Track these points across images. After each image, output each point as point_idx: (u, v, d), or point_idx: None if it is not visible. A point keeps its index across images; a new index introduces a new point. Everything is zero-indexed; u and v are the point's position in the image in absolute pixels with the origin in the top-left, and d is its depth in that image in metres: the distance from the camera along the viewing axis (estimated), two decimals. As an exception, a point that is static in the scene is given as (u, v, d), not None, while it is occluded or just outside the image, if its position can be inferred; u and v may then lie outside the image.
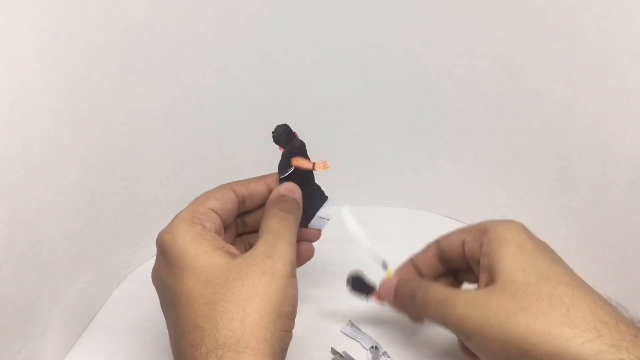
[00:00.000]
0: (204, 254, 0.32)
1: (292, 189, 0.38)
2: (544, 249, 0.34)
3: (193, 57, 0.47)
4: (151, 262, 0.53)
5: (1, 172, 0.34)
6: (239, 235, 0.41)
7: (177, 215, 0.35)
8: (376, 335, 0.45)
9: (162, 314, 0.47)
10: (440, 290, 0.35)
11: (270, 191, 0.39)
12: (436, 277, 0.40)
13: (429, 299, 0.35)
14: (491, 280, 0.33)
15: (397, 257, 0.52)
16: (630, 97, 0.40)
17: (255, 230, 0.38)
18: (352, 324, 0.45)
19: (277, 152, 0.53)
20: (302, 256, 0.40)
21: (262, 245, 0.34)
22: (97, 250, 0.46)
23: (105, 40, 0.42)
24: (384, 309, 0.42)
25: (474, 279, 0.37)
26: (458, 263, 0.39)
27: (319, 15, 0.48)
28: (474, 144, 0.53)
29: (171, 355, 0.42)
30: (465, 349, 0.36)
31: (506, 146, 0.51)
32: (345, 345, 0.44)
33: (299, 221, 0.38)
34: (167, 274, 0.33)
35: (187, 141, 0.51)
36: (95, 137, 0.43)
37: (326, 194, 0.40)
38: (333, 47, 0.49)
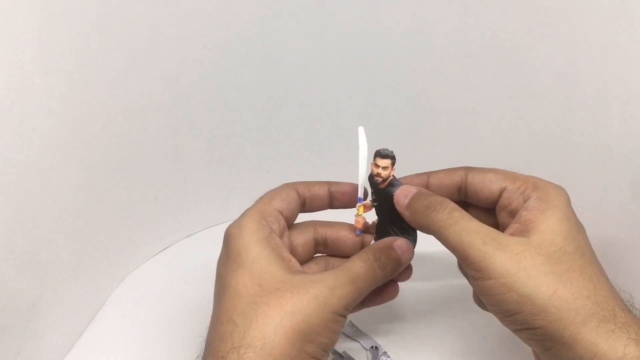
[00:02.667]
0: (265, 259, 0.33)
1: (405, 250, 0.36)
2: (583, 229, 0.35)
3: (193, 57, 0.47)
4: (151, 262, 0.53)
5: (1, 172, 0.34)
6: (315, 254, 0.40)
7: (245, 212, 0.35)
8: (376, 335, 0.45)
9: (161, 314, 0.47)
10: (469, 219, 0.33)
11: (330, 196, 0.38)
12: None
13: (452, 222, 0.33)
14: (525, 234, 0.33)
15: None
16: (630, 98, 0.40)
17: (333, 254, 0.39)
18: (352, 324, 0.45)
19: (278, 151, 0.53)
20: (386, 296, 0.38)
21: (331, 276, 0.33)
22: (97, 250, 0.46)
23: (105, 40, 0.42)
24: (385, 309, 0.42)
25: (484, 221, 0.34)
26: (481, 202, 0.37)
27: (319, 15, 0.48)
28: (474, 144, 0.53)
29: (171, 355, 0.42)
30: (477, 296, 0.35)
31: (506, 146, 0.51)
32: (345, 345, 0.44)
33: (389, 277, 0.35)
34: (225, 266, 0.34)
35: (187, 141, 0.51)
36: (95, 137, 0.43)
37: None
38: (333, 47, 0.49)
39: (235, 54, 0.48)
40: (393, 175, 0.37)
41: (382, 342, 0.44)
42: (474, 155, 0.54)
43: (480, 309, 0.36)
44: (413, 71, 0.50)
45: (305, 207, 0.38)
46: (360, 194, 0.38)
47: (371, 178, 0.37)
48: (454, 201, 0.35)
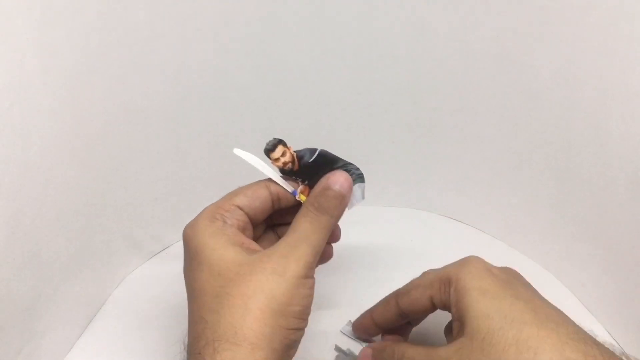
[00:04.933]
0: (220, 249, 0.33)
1: (340, 181, 0.35)
2: (506, 284, 0.34)
3: (193, 57, 0.47)
4: (151, 262, 0.53)
5: (1, 172, 0.34)
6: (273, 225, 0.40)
7: (202, 211, 0.35)
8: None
9: (161, 314, 0.47)
10: (415, 355, 0.35)
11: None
12: (394, 327, 0.41)
13: None
14: (462, 330, 0.33)
15: (397, 257, 0.53)
16: (630, 97, 0.40)
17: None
18: (352, 324, 0.45)
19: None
20: (320, 258, 0.38)
21: (282, 244, 0.33)
22: (97, 250, 0.46)
23: (105, 40, 0.42)
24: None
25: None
26: (424, 315, 0.39)
27: (319, 15, 0.48)
28: (474, 144, 0.53)
29: (171, 355, 0.42)
30: None
31: (506, 146, 0.51)
32: (346, 345, 0.44)
33: (337, 219, 0.35)
34: (187, 268, 0.34)
35: (187, 141, 0.51)
36: (95, 137, 0.43)
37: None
38: (333, 47, 0.49)
39: (235, 54, 0.48)
40: (294, 152, 0.36)
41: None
42: (474, 155, 0.54)
43: None
44: (413, 71, 0.50)
45: (281, 203, 0.37)
46: (291, 189, 0.37)
47: (284, 172, 0.37)
48: (401, 325, 0.39)
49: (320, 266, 0.45)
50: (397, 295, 0.39)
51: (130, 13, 0.42)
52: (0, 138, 0.34)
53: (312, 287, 0.33)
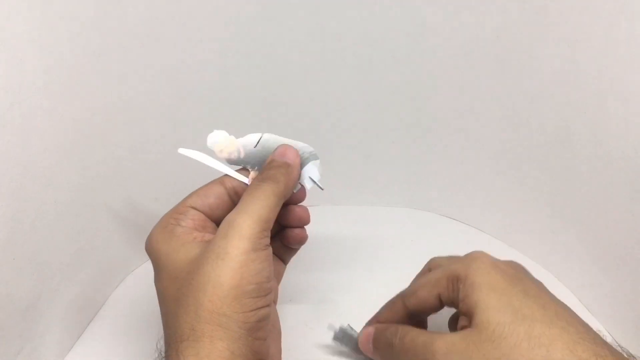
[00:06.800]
0: (173, 252, 0.32)
1: (282, 152, 0.36)
2: (515, 280, 0.34)
3: (193, 57, 0.47)
4: (151, 263, 0.53)
5: (1, 172, 0.34)
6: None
7: (158, 220, 0.35)
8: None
9: (160, 314, 0.47)
10: (418, 336, 0.34)
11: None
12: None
13: (407, 346, 0.34)
14: (470, 323, 0.32)
15: (397, 257, 0.53)
16: (630, 98, 0.40)
17: None
18: (350, 328, 0.45)
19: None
20: (291, 240, 0.38)
21: (223, 224, 0.32)
22: (97, 250, 0.46)
23: (105, 40, 0.42)
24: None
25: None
26: (431, 313, 0.38)
27: (319, 15, 0.48)
28: (473, 144, 0.53)
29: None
30: None
31: (506, 146, 0.51)
32: (343, 351, 0.43)
33: (284, 187, 0.34)
34: (155, 279, 0.34)
35: (187, 141, 0.51)
36: (95, 137, 0.43)
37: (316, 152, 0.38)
38: (333, 47, 0.49)
39: (235, 53, 0.48)
40: (237, 141, 0.37)
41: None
42: (474, 155, 0.54)
43: None
44: (413, 71, 0.50)
45: (240, 196, 0.36)
46: (244, 179, 0.37)
47: (231, 162, 0.37)
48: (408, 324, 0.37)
49: (319, 266, 0.45)
50: (403, 296, 0.38)
51: (130, 13, 0.42)
52: (0, 138, 0.34)
53: (265, 260, 0.31)
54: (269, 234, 0.33)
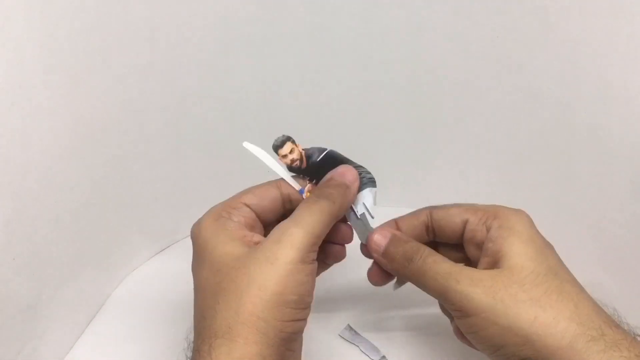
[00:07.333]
0: (220, 245, 0.32)
1: (342, 172, 0.35)
2: (551, 247, 0.34)
3: (193, 57, 0.47)
4: (151, 262, 0.53)
5: (1, 172, 0.34)
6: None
7: (210, 209, 0.35)
8: (374, 339, 0.45)
9: (161, 314, 0.47)
10: (442, 261, 0.33)
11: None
12: None
13: (427, 267, 0.33)
14: (495, 265, 0.32)
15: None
16: (630, 98, 0.40)
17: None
18: (350, 328, 0.45)
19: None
20: (331, 256, 0.38)
21: (275, 230, 0.32)
22: (97, 250, 0.46)
23: (105, 40, 0.42)
24: (384, 313, 0.41)
25: (456, 258, 0.36)
26: (448, 238, 0.37)
27: (319, 16, 0.48)
28: (474, 143, 0.53)
29: (171, 355, 0.42)
30: (458, 330, 0.35)
31: (506, 146, 0.51)
32: (343, 352, 0.43)
33: (338, 208, 0.34)
34: (193, 265, 0.34)
35: (187, 141, 0.51)
36: (95, 137, 0.43)
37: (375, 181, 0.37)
38: (333, 47, 0.49)
39: (235, 54, 0.48)
40: (302, 149, 0.37)
41: (380, 346, 0.44)
42: (474, 155, 0.54)
43: None
44: (413, 71, 0.50)
45: (292, 204, 0.37)
46: (298, 187, 0.37)
47: (291, 169, 0.37)
48: (424, 242, 0.36)
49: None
50: (432, 207, 0.38)
51: (130, 13, 0.42)
52: (0, 138, 0.34)
53: (310, 274, 0.31)
54: (317, 250, 0.33)
